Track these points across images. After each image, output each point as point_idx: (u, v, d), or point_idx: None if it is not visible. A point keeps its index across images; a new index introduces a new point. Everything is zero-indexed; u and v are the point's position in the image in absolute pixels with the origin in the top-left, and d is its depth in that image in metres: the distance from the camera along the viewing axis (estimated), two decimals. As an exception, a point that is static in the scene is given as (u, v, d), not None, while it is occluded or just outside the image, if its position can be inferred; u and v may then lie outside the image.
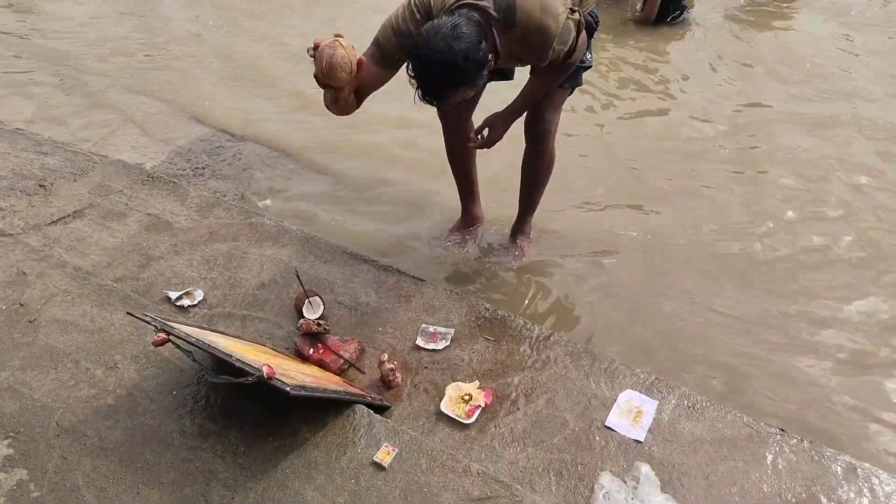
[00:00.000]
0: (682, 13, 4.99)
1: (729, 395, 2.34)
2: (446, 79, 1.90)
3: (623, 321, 2.65)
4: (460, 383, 2.08)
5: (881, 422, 2.26)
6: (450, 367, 2.16)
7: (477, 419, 1.99)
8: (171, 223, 2.74)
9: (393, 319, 2.32)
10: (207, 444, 1.85)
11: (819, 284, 2.79)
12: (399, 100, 3.84)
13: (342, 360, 2.13)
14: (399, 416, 2.02)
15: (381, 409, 2.00)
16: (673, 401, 2.03)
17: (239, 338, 2.10)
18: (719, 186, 3.36)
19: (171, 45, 4.84)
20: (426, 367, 2.16)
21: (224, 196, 3.14)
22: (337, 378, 2.08)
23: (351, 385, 2.06)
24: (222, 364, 1.71)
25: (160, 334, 1.71)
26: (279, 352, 2.13)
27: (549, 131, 2.55)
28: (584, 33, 2.16)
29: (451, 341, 2.23)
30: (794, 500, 1.79)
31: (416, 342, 2.23)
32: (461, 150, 2.77)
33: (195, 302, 2.37)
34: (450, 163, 2.85)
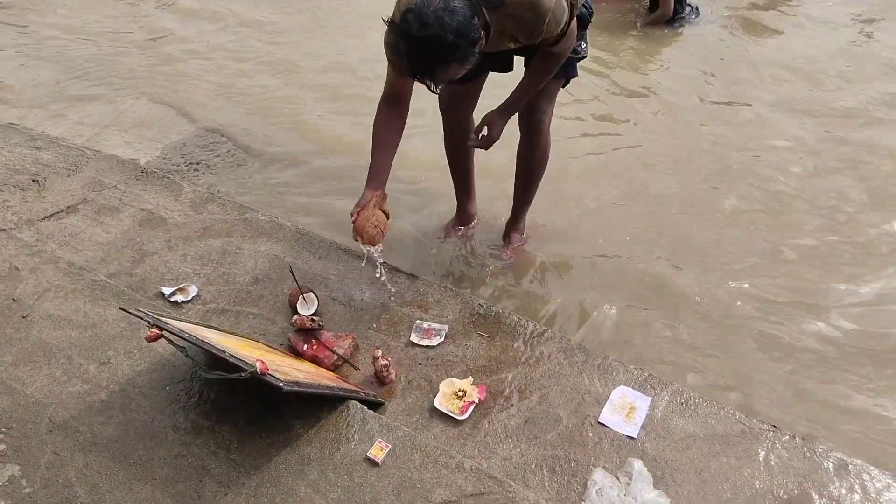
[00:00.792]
0: (696, 15, 4.89)
1: (727, 394, 2.36)
2: (438, 54, 1.83)
3: (617, 317, 2.65)
4: (454, 379, 2.08)
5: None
6: (444, 364, 2.16)
7: (470, 415, 1.99)
8: (164, 218, 2.74)
9: (387, 316, 2.32)
10: (200, 439, 1.85)
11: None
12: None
13: (336, 357, 2.13)
14: (393, 412, 2.02)
15: (374, 406, 2.00)
16: (666, 397, 2.04)
17: (233, 333, 2.10)
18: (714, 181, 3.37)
19: (166, 41, 4.82)
20: (420, 364, 2.16)
21: (218, 191, 3.14)
22: (331, 374, 2.08)
23: (345, 381, 2.06)
24: (216, 360, 1.71)
25: (153, 330, 1.70)
26: (273, 348, 2.13)
27: (544, 121, 2.55)
28: (575, 22, 2.13)
29: (446, 337, 2.23)
30: (785, 497, 1.79)
31: (411, 338, 2.23)
32: (461, 147, 2.77)
33: (189, 297, 2.37)
34: (448, 159, 2.84)
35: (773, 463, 1.86)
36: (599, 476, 1.81)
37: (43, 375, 2.04)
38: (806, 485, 1.82)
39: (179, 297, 2.36)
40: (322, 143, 3.63)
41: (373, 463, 1.77)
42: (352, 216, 2.16)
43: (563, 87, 2.52)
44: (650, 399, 2.02)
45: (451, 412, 1.99)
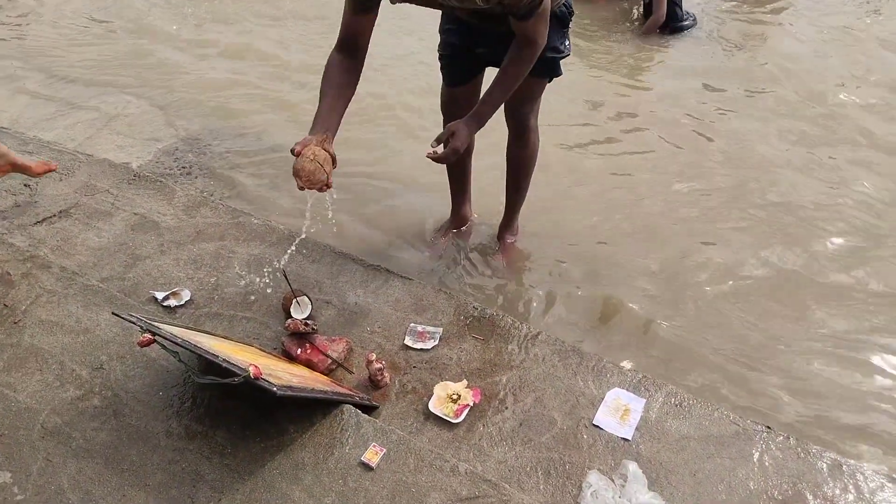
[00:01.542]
0: (694, 22, 4.88)
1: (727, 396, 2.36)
2: None
3: (613, 318, 2.66)
4: (448, 382, 2.08)
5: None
6: (438, 367, 2.16)
7: (465, 418, 1.99)
8: (157, 222, 2.73)
9: (381, 319, 2.32)
10: (194, 445, 1.84)
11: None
12: (398, 101, 3.90)
13: (330, 360, 2.13)
14: (387, 416, 2.02)
15: (368, 409, 2.00)
16: (660, 399, 2.04)
17: (226, 338, 2.09)
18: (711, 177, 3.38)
19: (157, 46, 4.81)
20: (414, 367, 2.16)
21: (211, 195, 3.13)
22: (325, 378, 2.07)
23: (339, 385, 2.05)
24: (209, 364, 1.70)
25: (146, 335, 1.69)
26: (266, 352, 2.12)
27: (530, 120, 2.57)
28: (549, 3, 2.01)
29: (440, 340, 2.23)
30: (780, 497, 1.80)
31: (405, 342, 2.23)
32: None
33: (182, 302, 2.36)
34: None
35: (767, 464, 1.87)
36: (594, 478, 1.81)
37: (35, 381, 2.03)
38: (800, 485, 1.82)
39: (172, 302, 2.35)
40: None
41: (367, 467, 1.76)
42: (293, 153, 1.89)
43: (548, 83, 2.50)
44: (644, 401, 2.03)
45: (446, 415, 1.99)
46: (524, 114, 2.53)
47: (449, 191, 2.97)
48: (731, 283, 2.81)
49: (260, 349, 2.12)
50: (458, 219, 3.03)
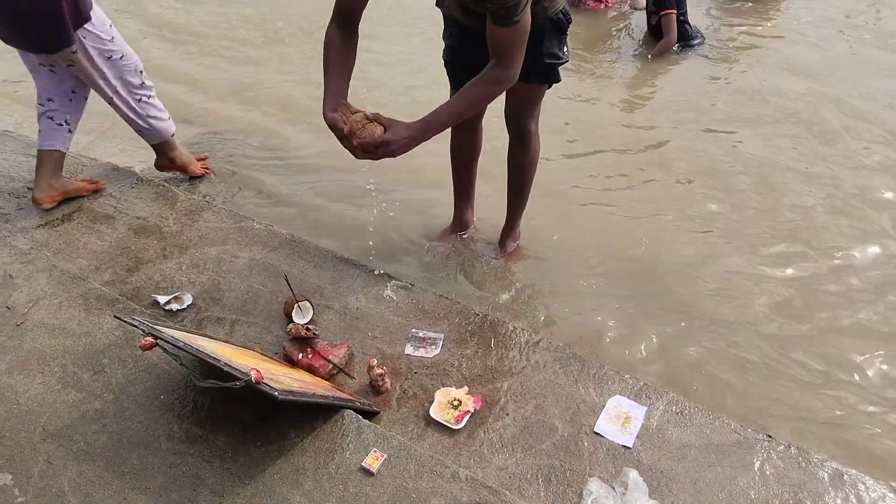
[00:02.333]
0: (701, 38, 4.86)
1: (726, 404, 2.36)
2: None
3: (614, 325, 2.66)
4: (449, 388, 2.08)
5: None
6: (439, 373, 2.15)
7: (466, 425, 1.99)
8: (159, 227, 2.73)
9: (382, 324, 2.32)
10: (195, 449, 1.84)
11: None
12: (398, 100, 3.91)
13: (331, 365, 2.13)
14: (388, 422, 2.01)
15: (369, 415, 2.00)
16: (661, 407, 2.04)
17: (227, 342, 2.10)
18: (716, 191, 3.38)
19: (163, 48, 4.83)
20: (415, 373, 2.16)
21: (213, 200, 3.13)
22: (326, 383, 2.07)
23: (340, 390, 2.05)
24: (210, 368, 1.70)
25: (148, 338, 1.69)
26: (268, 356, 2.12)
27: (530, 126, 2.58)
28: (528, 17, 1.93)
29: (441, 347, 2.23)
30: (781, 507, 1.79)
31: (406, 351, 2.22)
32: (467, 151, 2.79)
33: (184, 306, 2.36)
34: (452, 162, 2.86)
35: (768, 472, 1.86)
36: (595, 486, 1.81)
37: (37, 384, 2.03)
38: (801, 494, 1.82)
39: (174, 306, 2.35)
40: (322, 151, 3.63)
41: (368, 473, 1.76)
42: (341, 128, 1.91)
43: (547, 89, 2.50)
44: (645, 409, 2.02)
45: (447, 422, 1.99)
46: (525, 120, 2.55)
47: (450, 195, 2.98)
48: (736, 294, 2.81)
49: (261, 354, 2.12)
50: (461, 223, 3.04)
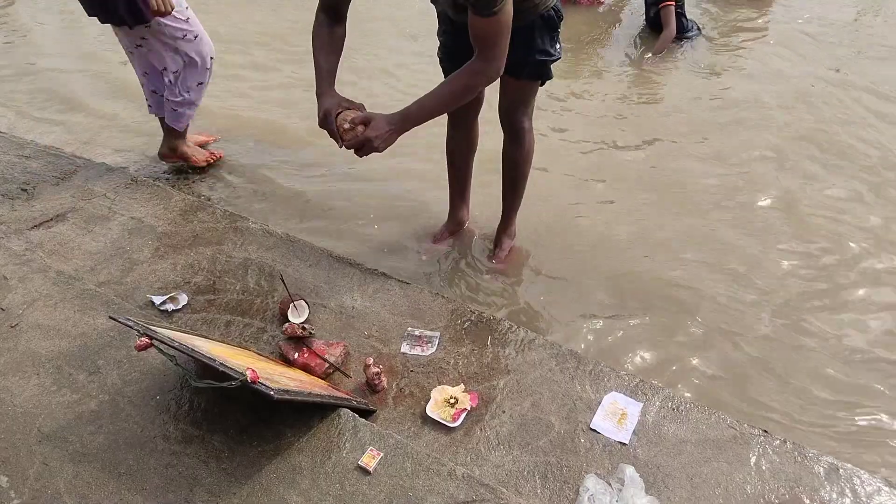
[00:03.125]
0: (697, 33, 4.86)
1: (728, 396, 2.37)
2: None
3: (610, 322, 2.66)
4: (446, 387, 2.08)
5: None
6: (435, 371, 2.16)
7: (462, 422, 1.99)
8: (154, 227, 2.73)
9: (378, 323, 2.32)
10: (191, 449, 1.84)
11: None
12: (397, 103, 3.90)
13: (327, 364, 2.13)
14: (384, 420, 2.01)
15: (366, 413, 2.00)
16: (657, 403, 2.04)
17: (223, 342, 2.09)
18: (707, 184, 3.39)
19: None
20: (412, 371, 2.16)
21: (208, 199, 3.13)
22: (322, 382, 2.07)
23: (336, 389, 2.05)
24: (206, 368, 1.70)
25: (143, 339, 1.69)
26: (264, 356, 2.12)
27: (524, 122, 2.58)
28: (509, 15, 1.93)
29: (437, 345, 2.23)
30: (777, 501, 1.80)
31: (402, 349, 2.22)
32: (462, 148, 2.79)
33: (179, 306, 2.36)
34: (448, 161, 2.86)
35: (764, 468, 1.87)
36: (591, 482, 1.81)
37: (32, 385, 2.03)
38: (797, 489, 1.82)
39: (169, 306, 2.35)
40: (316, 152, 3.63)
41: (364, 471, 1.76)
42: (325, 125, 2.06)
43: (540, 86, 2.51)
44: (641, 405, 2.03)
45: (443, 419, 1.99)
46: (518, 117, 2.55)
47: (446, 193, 2.98)
48: (731, 295, 2.81)
49: (257, 353, 2.12)
50: (456, 222, 3.04)
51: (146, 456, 1.83)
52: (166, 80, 3.11)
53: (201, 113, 3.97)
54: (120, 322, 1.77)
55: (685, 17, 4.81)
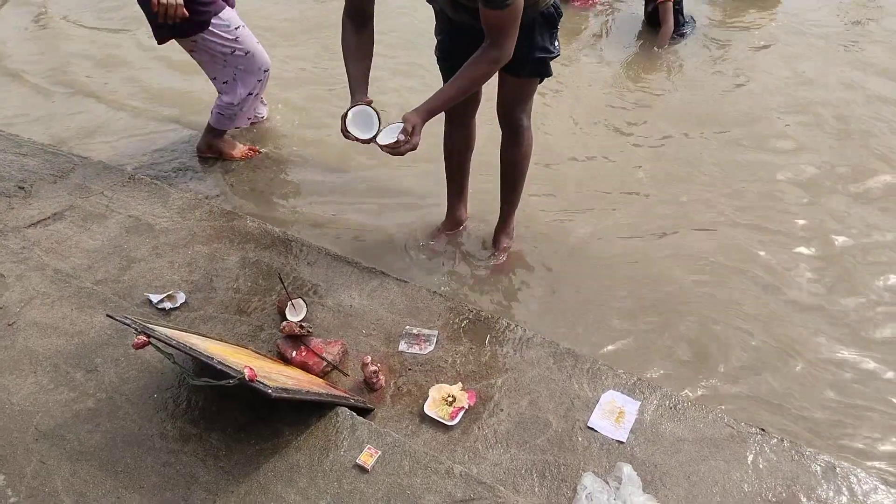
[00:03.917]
0: (693, 25, 4.86)
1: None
2: None
3: (608, 320, 2.66)
4: (444, 385, 2.08)
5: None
6: (433, 369, 2.16)
7: (460, 421, 1.99)
8: (152, 225, 2.72)
9: (376, 321, 2.32)
10: (188, 447, 1.84)
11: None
12: (398, 103, 3.91)
13: (325, 363, 2.13)
14: (382, 419, 2.02)
15: (364, 412, 2.00)
16: (655, 401, 2.04)
17: (221, 340, 2.09)
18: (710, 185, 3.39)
19: (152, 47, 4.80)
20: (410, 369, 2.16)
21: (206, 198, 3.13)
22: (320, 380, 2.07)
23: (334, 387, 2.05)
24: (204, 367, 1.70)
25: (141, 337, 1.69)
26: (261, 354, 2.12)
27: (522, 120, 2.58)
28: (520, 5, 2.00)
29: (435, 343, 2.23)
30: (774, 500, 1.80)
31: (399, 348, 2.22)
32: (460, 147, 2.79)
33: (177, 304, 2.36)
34: (445, 160, 2.85)
35: (761, 466, 1.87)
36: (589, 480, 1.81)
37: (29, 384, 2.03)
38: (794, 487, 1.83)
39: (167, 304, 2.35)
40: (314, 150, 3.62)
41: (362, 469, 1.76)
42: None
43: (539, 83, 2.51)
44: (639, 403, 2.03)
45: (441, 418, 1.99)
46: (517, 114, 2.55)
47: (444, 192, 2.98)
48: (731, 291, 2.82)
49: (255, 351, 2.12)
50: (454, 220, 3.04)
51: (144, 454, 1.83)
52: (216, 86, 3.28)
53: (198, 111, 3.97)
54: (117, 320, 1.77)
55: (682, 13, 4.82)
